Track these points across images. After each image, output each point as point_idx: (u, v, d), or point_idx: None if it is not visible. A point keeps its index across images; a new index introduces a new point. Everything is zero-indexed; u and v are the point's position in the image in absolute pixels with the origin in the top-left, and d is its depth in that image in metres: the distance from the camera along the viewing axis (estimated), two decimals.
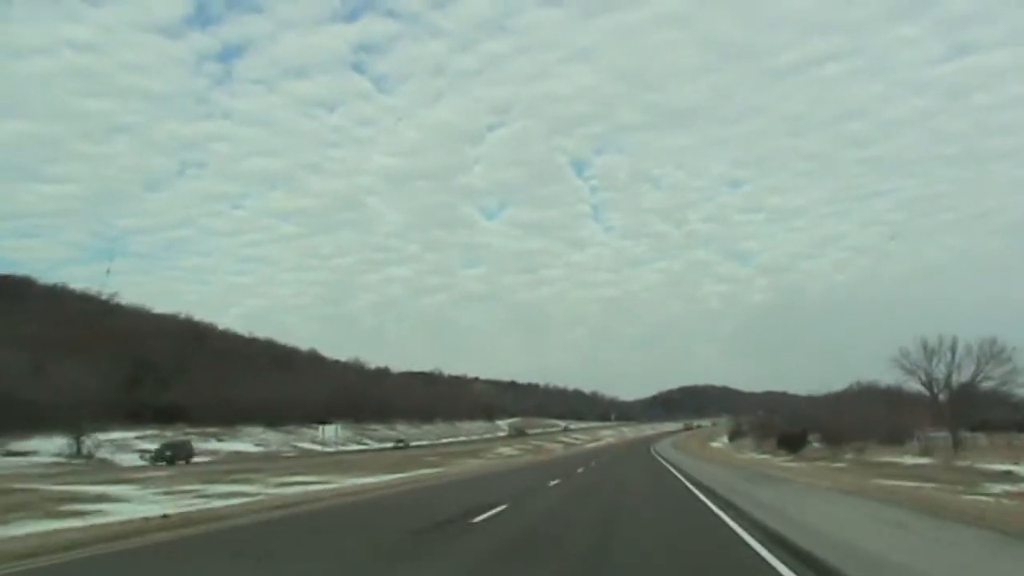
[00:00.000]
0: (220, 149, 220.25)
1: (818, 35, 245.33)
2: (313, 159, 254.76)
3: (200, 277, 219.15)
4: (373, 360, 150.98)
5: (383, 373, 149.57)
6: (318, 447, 68.79)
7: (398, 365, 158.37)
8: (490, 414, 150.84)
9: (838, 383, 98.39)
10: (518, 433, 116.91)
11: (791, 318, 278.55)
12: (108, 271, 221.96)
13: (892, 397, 77.56)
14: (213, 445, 60.57)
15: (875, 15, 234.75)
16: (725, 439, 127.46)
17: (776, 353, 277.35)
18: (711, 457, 62.69)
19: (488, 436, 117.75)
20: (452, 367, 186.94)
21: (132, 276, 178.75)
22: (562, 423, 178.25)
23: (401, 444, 78.03)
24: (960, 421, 54.00)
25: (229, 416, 69.96)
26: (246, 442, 65.75)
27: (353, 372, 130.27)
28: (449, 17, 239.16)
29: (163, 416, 64.14)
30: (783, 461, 51.99)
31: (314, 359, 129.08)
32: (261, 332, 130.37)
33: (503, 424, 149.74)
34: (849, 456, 51.45)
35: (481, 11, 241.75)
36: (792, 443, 61.31)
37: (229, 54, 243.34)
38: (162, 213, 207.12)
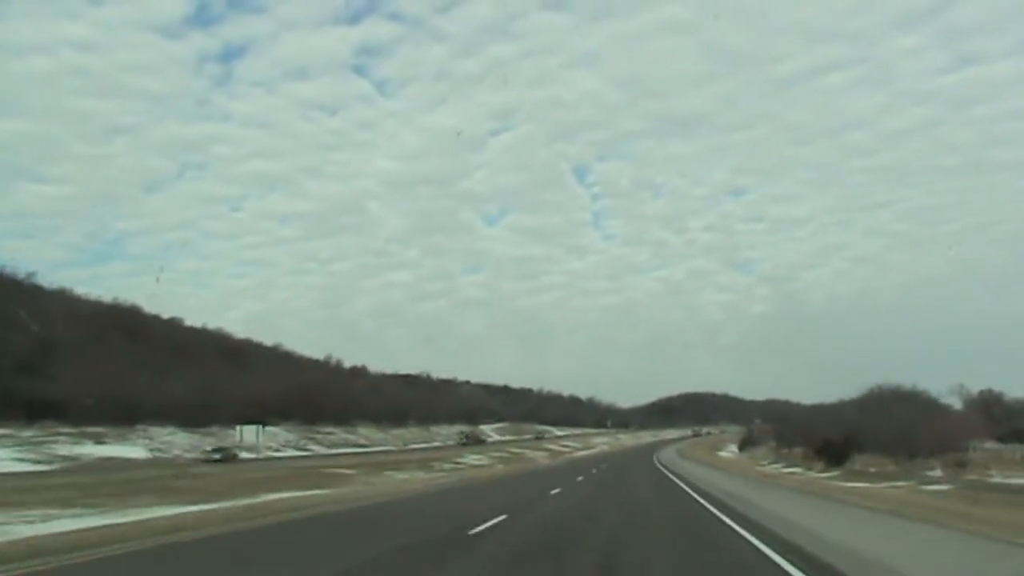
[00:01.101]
0: (220, 151, 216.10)
1: (822, 44, 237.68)
2: (313, 162, 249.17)
3: (199, 280, 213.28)
4: (370, 365, 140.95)
5: (359, 372, 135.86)
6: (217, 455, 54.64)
7: (391, 369, 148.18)
8: (473, 418, 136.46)
9: (840, 391, 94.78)
10: (474, 441, 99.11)
11: (792, 327, 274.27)
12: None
13: (923, 404, 67.00)
14: (85, 449, 46.55)
15: (879, 25, 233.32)
16: (734, 448, 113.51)
17: (778, 362, 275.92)
18: (728, 469, 48.72)
19: (466, 442, 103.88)
20: (448, 372, 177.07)
21: (129, 279, 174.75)
22: (555, 430, 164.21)
23: (219, 455, 51.81)
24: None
25: (127, 414, 56.04)
26: (138, 446, 51.68)
27: (321, 370, 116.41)
28: (452, 21, 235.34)
29: (32, 411, 50.27)
30: (834, 479, 37.89)
31: (276, 355, 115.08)
32: (257, 335, 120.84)
33: (488, 429, 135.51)
34: (936, 472, 37.19)
35: (484, 15, 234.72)
36: (834, 453, 47.14)
37: (230, 55, 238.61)
38: (161, 215, 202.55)
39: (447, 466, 49.96)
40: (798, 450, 68.70)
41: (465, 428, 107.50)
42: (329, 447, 75.19)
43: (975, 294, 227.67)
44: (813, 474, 43.79)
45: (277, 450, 65.64)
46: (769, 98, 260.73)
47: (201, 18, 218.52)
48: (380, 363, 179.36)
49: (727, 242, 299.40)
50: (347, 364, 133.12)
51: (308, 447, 72.78)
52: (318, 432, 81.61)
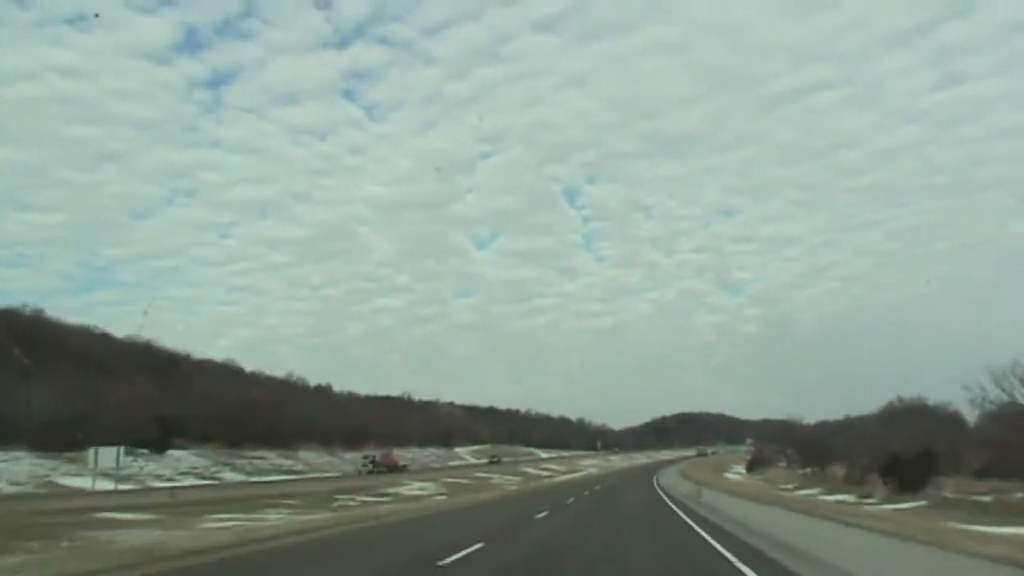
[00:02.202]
0: (209, 177, 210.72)
1: (811, 64, 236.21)
2: (303, 187, 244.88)
3: (188, 307, 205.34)
4: (359, 389, 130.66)
5: (322, 392, 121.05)
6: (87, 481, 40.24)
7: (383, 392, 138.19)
8: (447, 440, 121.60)
9: (836, 410, 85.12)
10: (389, 467, 73.45)
11: (784, 347, 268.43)
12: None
13: (948, 420, 56.79)
14: None
15: (867, 44, 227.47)
16: (740, 468, 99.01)
17: (771, 381, 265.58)
18: (757, 497, 34.38)
19: (435, 466, 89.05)
20: (440, 395, 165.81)
21: (118, 307, 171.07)
22: (541, 452, 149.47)
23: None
24: None
25: None
26: None
27: (273, 388, 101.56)
28: (442, 44, 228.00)
29: None
30: (950, 517, 23.48)
31: (221, 370, 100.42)
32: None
33: (463, 452, 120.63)
34: None
35: (474, 38, 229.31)
36: (908, 475, 32.73)
37: (219, 81, 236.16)
38: (150, 242, 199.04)
39: (362, 499, 35.44)
40: (835, 471, 54.45)
41: (375, 452, 79.64)
42: (250, 474, 60.36)
43: (965, 312, 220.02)
44: (888, 507, 29.47)
45: (170, 479, 50.85)
46: (759, 118, 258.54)
47: (190, 44, 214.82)
48: (371, 388, 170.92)
49: (718, 263, 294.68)
50: (313, 383, 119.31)
51: (220, 474, 57.93)
52: (243, 456, 66.80)
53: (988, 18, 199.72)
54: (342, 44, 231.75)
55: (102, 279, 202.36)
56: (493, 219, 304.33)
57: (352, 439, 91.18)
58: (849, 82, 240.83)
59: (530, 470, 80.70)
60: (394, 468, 72.60)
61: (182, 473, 54.51)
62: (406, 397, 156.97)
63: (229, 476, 58.14)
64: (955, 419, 57.58)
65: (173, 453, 59.45)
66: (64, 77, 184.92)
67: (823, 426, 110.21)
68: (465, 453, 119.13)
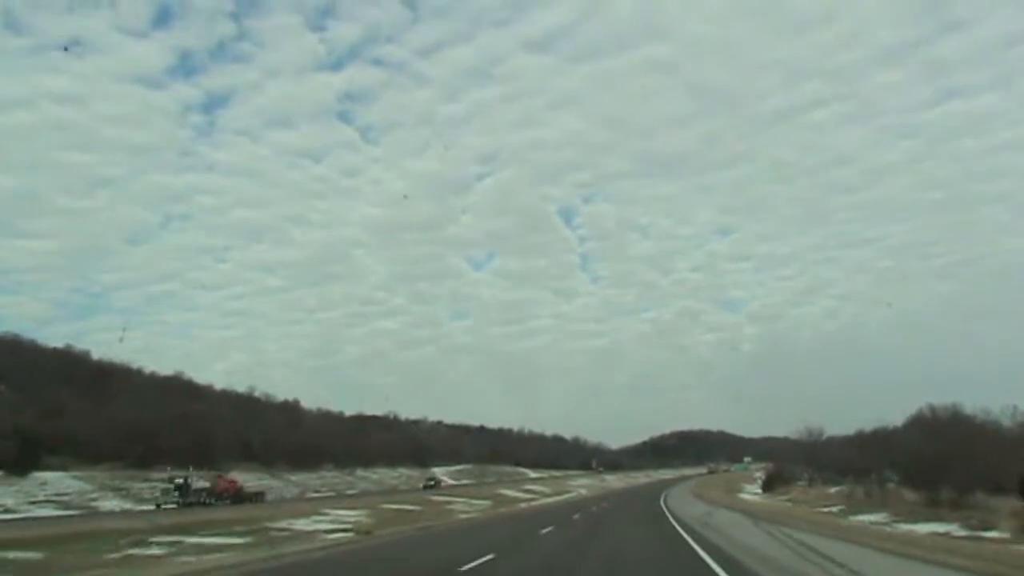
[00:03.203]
0: (204, 201, 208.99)
1: (805, 81, 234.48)
2: (298, 210, 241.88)
3: (184, 332, 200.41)
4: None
5: (289, 408, 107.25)
6: None
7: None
8: (422, 459, 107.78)
9: (839, 426, 79.82)
10: (229, 498, 50.59)
11: (784, 364, 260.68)
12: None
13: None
14: None
15: (862, 60, 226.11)
16: (755, 488, 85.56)
17: (772, 399, 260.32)
18: (840, 534, 21.24)
19: (396, 485, 75.33)
20: (436, 416, 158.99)
21: (112, 333, 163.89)
22: (531, 472, 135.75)
23: None
24: None
25: None
26: None
27: (224, 403, 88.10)
28: (435, 65, 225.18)
29: None
30: None
31: (164, 384, 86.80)
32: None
33: (441, 472, 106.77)
34: None
35: (467, 59, 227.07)
36: None
37: (213, 104, 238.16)
38: (145, 267, 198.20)
39: (178, 542, 22.07)
40: (896, 489, 41.16)
41: (205, 473, 56.40)
42: (143, 501, 46.88)
43: (963, 327, 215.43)
44: None
45: (7, 510, 37.36)
46: (753, 136, 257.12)
47: (184, 68, 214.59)
48: (363, 410, 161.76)
49: (714, 282, 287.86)
50: (279, 399, 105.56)
51: (97, 503, 44.34)
52: (150, 478, 53.33)
53: (982, 33, 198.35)
54: (336, 66, 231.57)
55: (97, 305, 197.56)
56: (488, 240, 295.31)
57: (301, 458, 77.60)
58: (843, 98, 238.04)
59: (508, 492, 67.04)
60: (238, 496, 51.84)
61: (36, 502, 40.99)
62: (391, 416, 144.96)
63: (111, 505, 44.55)
64: (997, 429, 49.93)
65: (41, 476, 45.95)
66: (58, 103, 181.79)
67: (846, 441, 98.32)
68: (443, 473, 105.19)
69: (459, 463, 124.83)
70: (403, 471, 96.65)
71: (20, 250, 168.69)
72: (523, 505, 51.99)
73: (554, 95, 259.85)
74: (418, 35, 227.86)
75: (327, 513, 35.33)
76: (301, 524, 29.70)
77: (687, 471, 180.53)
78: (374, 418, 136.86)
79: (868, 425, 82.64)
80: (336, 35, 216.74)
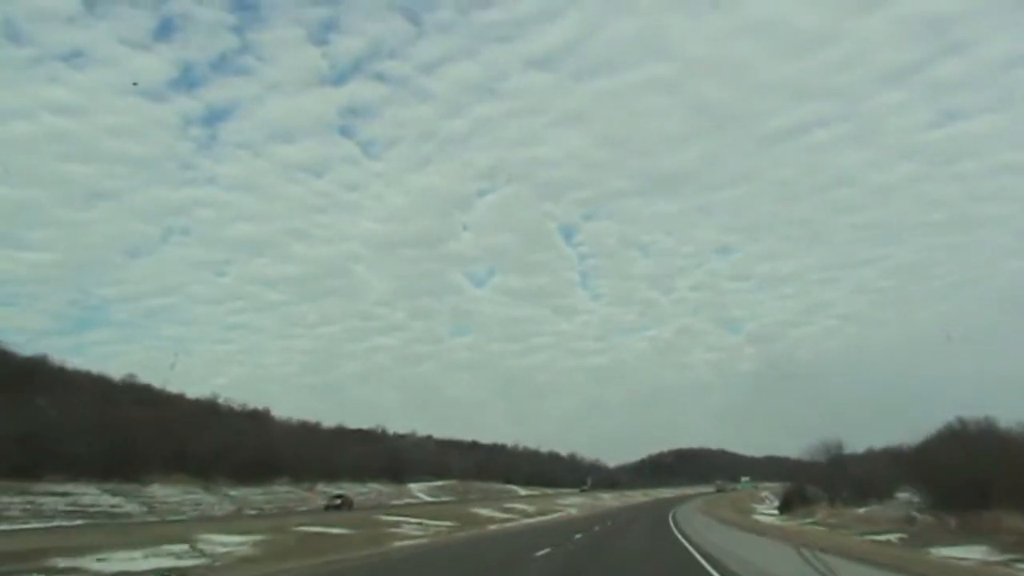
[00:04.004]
0: (204, 215, 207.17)
1: (808, 101, 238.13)
2: (299, 225, 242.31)
3: (183, 346, 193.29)
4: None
5: (257, 416, 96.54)
6: None
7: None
8: (398, 474, 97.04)
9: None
10: None
11: (785, 384, 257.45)
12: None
13: None
14: None
15: (864, 81, 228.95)
16: (768, 510, 75.02)
17: (774, 418, 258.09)
18: None
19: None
20: (434, 432, 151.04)
21: (111, 347, 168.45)
22: (520, 489, 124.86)
23: None
24: None
25: None
26: None
27: (170, 408, 77.43)
28: (438, 81, 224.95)
29: None
30: None
31: (92, 385, 76.18)
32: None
33: (419, 488, 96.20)
34: None
35: (470, 75, 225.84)
36: None
37: (214, 118, 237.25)
38: (144, 281, 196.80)
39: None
40: (996, 517, 30.75)
41: None
42: (7, 519, 36.56)
43: (963, 349, 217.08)
44: None
45: None
46: (755, 155, 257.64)
47: (185, 80, 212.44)
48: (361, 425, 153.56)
49: (715, 301, 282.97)
50: (249, 407, 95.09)
51: None
52: (31, 491, 42.97)
53: (984, 54, 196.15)
54: (339, 80, 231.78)
55: (95, 318, 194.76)
56: (490, 257, 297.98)
57: (252, 471, 66.98)
58: (846, 119, 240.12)
59: (483, 511, 56.42)
60: None
61: None
62: (379, 430, 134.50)
63: None
64: None
65: None
66: (58, 115, 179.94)
67: (865, 458, 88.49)
68: (421, 489, 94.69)
69: (445, 479, 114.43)
70: (374, 486, 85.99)
71: (18, 262, 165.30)
72: (493, 527, 41.64)
73: (556, 112, 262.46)
74: (421, 50, 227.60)
75: (197, 539, 25.01)
76: (119, 561, 19.40)
77: (687, 490, 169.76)
78: (359, 431, 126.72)
79: (876, 443, 78.42)
80: (338, 49, 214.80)
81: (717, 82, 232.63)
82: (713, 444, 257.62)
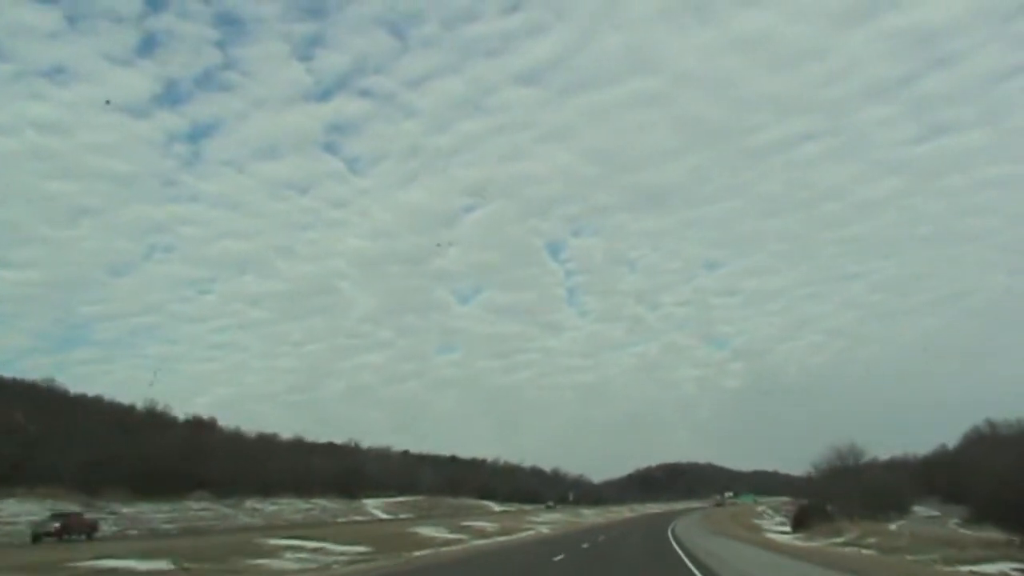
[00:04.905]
0: (188, 232, 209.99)
1: (794, 116, 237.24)
2: (284, 242, 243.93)
3: (167, 365, 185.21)
4: None
5: (204, 426, 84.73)
6: None
7: None
8: (350, 489, 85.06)
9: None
10: None
11: (770, 399, 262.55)
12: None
13: None
14: None
15: (850, 95, 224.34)
16: (773, 524, 64.08)
17: (759, 433, 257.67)
18: None
19: (293, 520, 52.83)
20: (423, 450, 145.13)
21: (96, 366, 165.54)
22: (495, 505, 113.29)
23: None
24: None
25: None
26: None
27: (100, 419, 65.69)
28: (424, 97, 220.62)
29: None
30: None
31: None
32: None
33: (374, 504, 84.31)
34: None
35: (456, 91, 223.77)
36: None
37: (198, 134, 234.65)
38: (128, 299, 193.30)
39: None
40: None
41: None
42: None
43: (949, 364, 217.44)
44: None
45: None
46: (742, 170, 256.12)
47: (169, 97, 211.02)
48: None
49: (702, 316, 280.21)
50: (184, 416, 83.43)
51: None
52: None
53: (970, 69, 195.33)
54: (324, 96, 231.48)
55: (78, 337, 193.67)
56: (476, 273, 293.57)
57: (160, 484, 55.09)
58: (833, 133, 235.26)
59: (428, 532, 44.73)
60: None
61: None
62: (351, 444, 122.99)
63: None
64: None
65: None
66: (41, 132, 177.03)
67: (874, 467, 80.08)
68: (377, 505, 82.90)
69: (411, 494, 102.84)
70: (321, 502, 74.14)
71: (1, 280, 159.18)
72: (422, 554, 30.16)
73: (543, 128, 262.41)
74: (406, 66, 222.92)
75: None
76: None
77: (677, 505, 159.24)
78: (326, 444, 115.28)
79: (870, 456, 74.26)
80: (323, 65, 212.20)
81: (704, 97, 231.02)
82: (701, 459, 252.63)
